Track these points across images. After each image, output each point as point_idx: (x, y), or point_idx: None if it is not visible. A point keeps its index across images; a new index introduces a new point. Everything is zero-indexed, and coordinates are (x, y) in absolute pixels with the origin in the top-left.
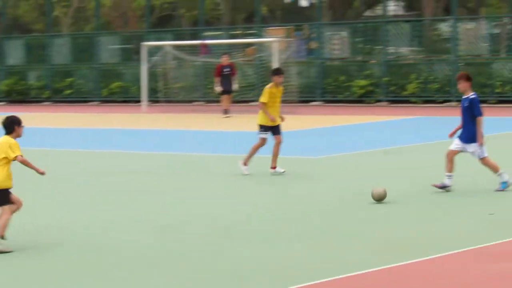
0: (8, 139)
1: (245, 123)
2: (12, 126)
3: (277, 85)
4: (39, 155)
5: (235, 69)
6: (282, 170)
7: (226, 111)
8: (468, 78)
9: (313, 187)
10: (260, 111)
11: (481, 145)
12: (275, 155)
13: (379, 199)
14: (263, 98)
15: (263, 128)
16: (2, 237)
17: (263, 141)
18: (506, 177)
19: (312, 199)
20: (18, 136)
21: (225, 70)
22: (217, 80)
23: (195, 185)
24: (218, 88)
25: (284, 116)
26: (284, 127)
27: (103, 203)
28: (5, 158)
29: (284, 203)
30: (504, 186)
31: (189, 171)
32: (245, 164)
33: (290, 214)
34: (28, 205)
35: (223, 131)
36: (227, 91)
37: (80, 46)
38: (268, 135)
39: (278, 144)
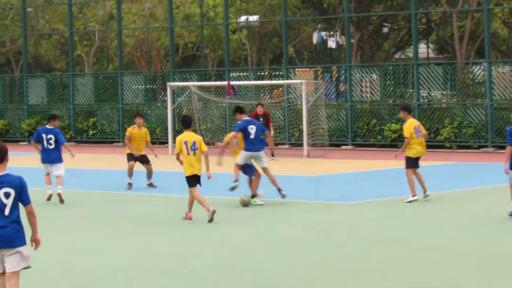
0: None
1: (275, 167)
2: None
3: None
4: (78, 196)
5: (270, 118)
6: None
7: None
8: None
9: (351, 234)
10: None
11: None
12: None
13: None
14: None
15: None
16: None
17: None
18: None
19: (355, 246)
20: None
21: (260, 120)
22: None
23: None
24: None
25: (315, 159)
26: (315, 171)
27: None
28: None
29: (326, 251)
30: None
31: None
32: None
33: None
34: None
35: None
36: None
37: (103, 86)
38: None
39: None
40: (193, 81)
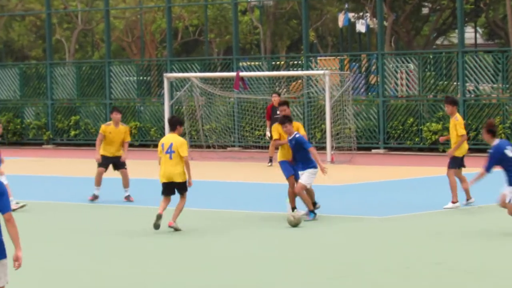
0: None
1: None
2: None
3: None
4: (47, 208)
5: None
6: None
7: (271, 159)
8: None
9: (378, 251)
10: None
11: None
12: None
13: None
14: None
15: None
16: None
17: None
18: None
19: (390, 271)
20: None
21: (276, 112)
22: (268, 124)
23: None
24: (268, 133)
25: (340, 165)
26: (340, 180)
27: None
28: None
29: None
30: None
31: (216, 230)
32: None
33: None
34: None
35: (266, 184)
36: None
37: (87, 77)
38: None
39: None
40: (195, 72)
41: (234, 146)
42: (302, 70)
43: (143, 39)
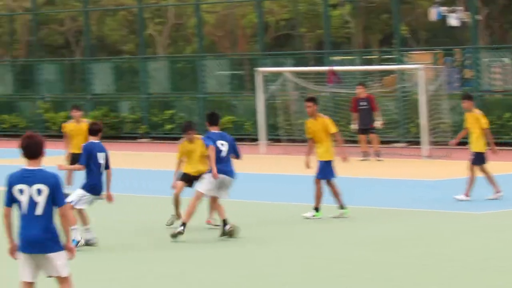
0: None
1: (384, 168)
2: None
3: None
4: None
5: (375, 103)
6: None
7: (365, 154)
8: None
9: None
10: None
11: None
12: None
13: None
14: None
15: None
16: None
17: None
18: None
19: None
20: None
21: (361, 104)
22: (354, 116)
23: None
24: (354, 126)
25: (437, 160)
26: (437, 175)
27: None
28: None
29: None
30: None
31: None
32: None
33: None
34: None
35: (359, 178)
36: (364, 129)
37: (180, 72)
38: None
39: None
40: (288, 66)
41: None
42: (395, 64)
43: (235, 34)
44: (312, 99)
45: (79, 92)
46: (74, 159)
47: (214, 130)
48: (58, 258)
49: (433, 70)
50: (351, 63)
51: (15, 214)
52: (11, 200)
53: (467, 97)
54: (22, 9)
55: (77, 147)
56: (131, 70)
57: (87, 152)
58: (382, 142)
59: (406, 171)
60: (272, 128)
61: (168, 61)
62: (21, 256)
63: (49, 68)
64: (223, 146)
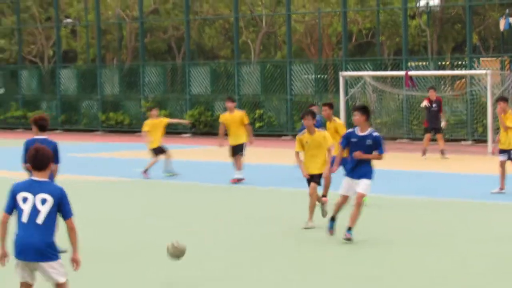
0: None
1: (446, 165)
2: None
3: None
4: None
5: (442, 106)
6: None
7: (424, 151)
8: None
9: None
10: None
11: None
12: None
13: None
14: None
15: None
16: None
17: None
18: None
19: None
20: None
21: (433, 106)
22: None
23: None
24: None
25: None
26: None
27: None
28: None
29: None
30: None
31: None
32: None
33: None
34: None
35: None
36: (431, 128)
37: (270, 75)
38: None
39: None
40: (368, 71)
41: (402, 138)
42: (465, 69)
43: (321, 41)
44: (328, 104)
45: (179, 92)
46: (235, 151)
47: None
48: (53, 267)
49: (500, 75)
50: (426, 68)
51: (12, 222)
52: (11, 207)
53: (503, 99)
54: (130, 18)
55: (235, 137)
56: (226, 73)
57: None
58: (450, 141)
59: (474, 166)
60: (350, 127)
61: (260, 65)
62: (16, 261)
63: (152, 71)
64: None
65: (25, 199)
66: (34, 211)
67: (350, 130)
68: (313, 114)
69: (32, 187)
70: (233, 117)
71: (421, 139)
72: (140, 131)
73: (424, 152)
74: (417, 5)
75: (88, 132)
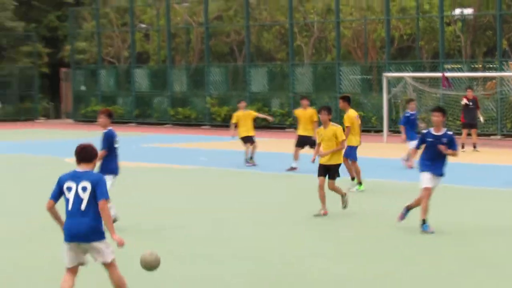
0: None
1: (483, 157)
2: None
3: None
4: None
5: (478, 103)
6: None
7: (462, 145)
8: None
9: None
10: None
11: None
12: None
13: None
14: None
15: None
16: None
17: None
18: None
19: None
20: None
21: (470, 103)
22: (463, 114)
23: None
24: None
25: None
26: None
27: None
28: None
29: None
30: None
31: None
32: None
33: None
34: None
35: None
36: (469, 124)
37: (321, 76)
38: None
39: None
40: (408, 72)
41: None
42: (496, 72)
43: (366, 45)
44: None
45: (240, 90)
46: (302, 140)
47: None
48: (101, 246)
49: None
50: (460, 70)
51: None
52: (58, 194)
53: None
54: (196, 24)
55: (304, 130)
56: (281, 73)
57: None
58: (482, 135)
59: (504, 158)
60: (393, 122)
61: (312, 66)
62: (65, 245)
63: (216, 71)
64: None
65: (69, 188)
66: (78, 199)
67: (425, 130)
68: (328, 110)
69: (76, 176)
70: (305, 113)
71: (456, 133)
72: (205, 125)
73: (462, 146)
74: (453, 13)
75: (159, 125)
